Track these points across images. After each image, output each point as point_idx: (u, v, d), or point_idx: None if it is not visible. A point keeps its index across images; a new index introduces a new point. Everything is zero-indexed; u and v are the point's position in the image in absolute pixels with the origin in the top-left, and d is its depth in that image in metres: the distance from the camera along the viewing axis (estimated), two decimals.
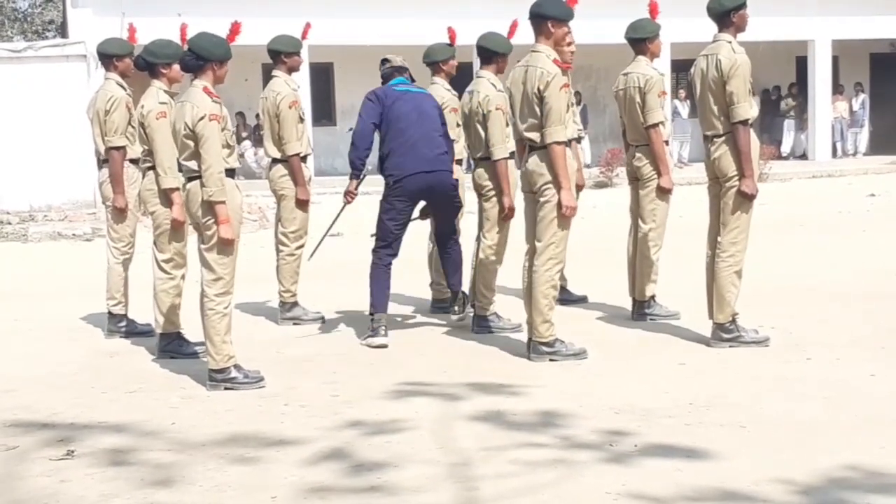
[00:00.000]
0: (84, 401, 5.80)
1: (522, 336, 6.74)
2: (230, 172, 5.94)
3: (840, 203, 15.46)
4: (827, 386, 5.63)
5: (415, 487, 4.28)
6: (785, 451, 4.57)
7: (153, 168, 6.86)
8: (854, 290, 8.35)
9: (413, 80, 7.39)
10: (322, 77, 22.31)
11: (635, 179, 7.57)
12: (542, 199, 6.31)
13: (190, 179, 5.95)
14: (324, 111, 22.80)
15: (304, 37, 8.18)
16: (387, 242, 7.12)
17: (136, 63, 7.08)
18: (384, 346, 6.90)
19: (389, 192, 7.05)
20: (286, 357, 6.77)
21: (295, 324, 7.77)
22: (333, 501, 4.18)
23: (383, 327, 6.98)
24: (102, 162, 7.50)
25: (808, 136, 24.39)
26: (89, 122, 7.54)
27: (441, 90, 7.69)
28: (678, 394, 5.55)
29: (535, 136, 6.32)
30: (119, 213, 7.44)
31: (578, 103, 17.19)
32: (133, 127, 7.28)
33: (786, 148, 24.65)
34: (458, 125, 7.55)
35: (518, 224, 6.89)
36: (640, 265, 7.49)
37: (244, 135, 21.55)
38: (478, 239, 7.28)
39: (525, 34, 6.76)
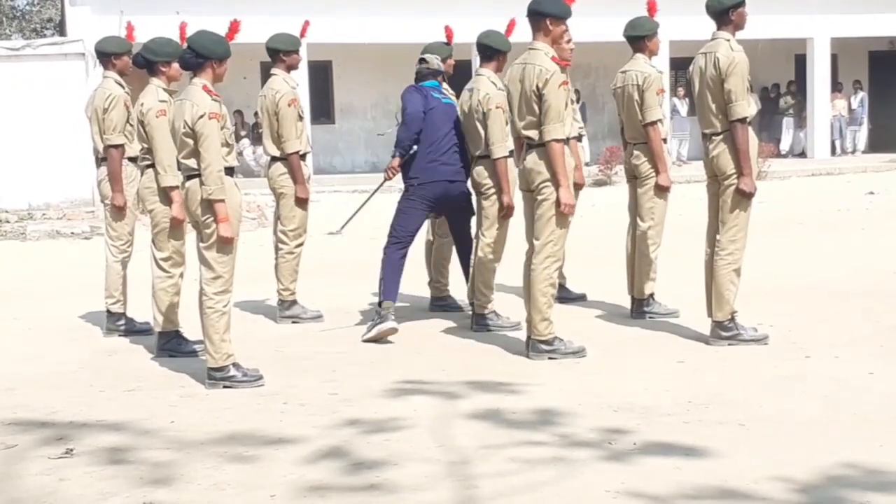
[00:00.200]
0: (83, 399, 5.80)
1: (521, 334, 6.74)
2: (229, 171, 5.93)
3: (839, 201, 15.46)
4: (826, 384, 5.63)
5: (414, 486, 4.28)
6: (784, 449, 4.57)
7: (152, 166, 6.87)
8: (853, 288, 8.35)
9: (444, 80, 7.53)
10: (321, 75, 22.31)
11: (634, 177, 7.57)
12: (539, 198, 6.30)
13: (189, 178, 5.94)
14: (322, 109, 22.80)
15: (302, 35, 8.17)
16: (399, 241, 7.23)
17: (135, 61, 7.08)
18: (395, 331, 6.95)
19: (412, 193, 7.22)
20: (285, 355, 6.77)
21: (294, 322, 7.77)
22: (332, 500, 4.18)
23: (392, 314, 7.01)
24: (101, 160, 7.50)
25: (807, 134, 24.40)
26: (87, 121, 7.53)
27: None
28: (677, 392, 5.55)
29: (533, 133, 6.32)
30: (118, 212, 7.44)
31: (577, 101, 17.17)
32: (131, 125, 7.28)
33: (785, 146, 24.66)
34: None
35: (516, 222, 6.89)
36: (638, 263, 7.49)
37: (242, 133, 21.54)
38: (476, 237, 7.29)
39: (523, 32, 6.75)
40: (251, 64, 19.08)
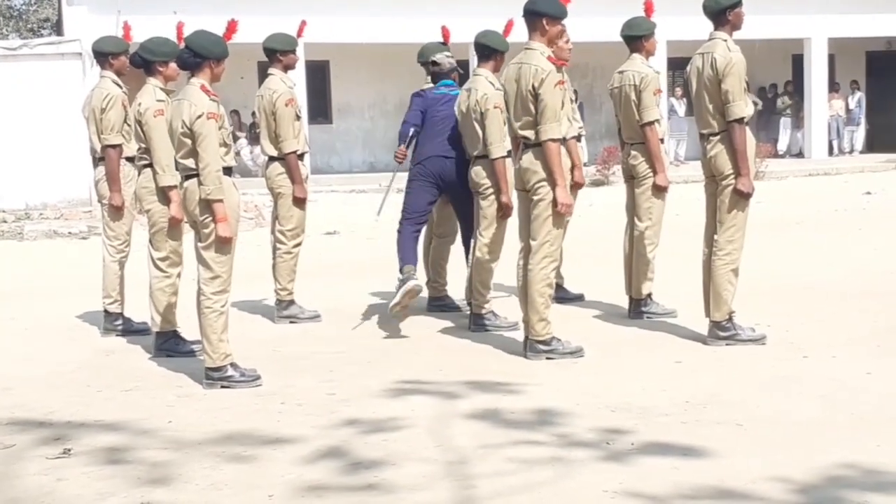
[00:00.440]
0: (80, 399, 5.80)
1: (519, 334, 6.74)
2: (228, 171, 5.93)
3: (836, 201, 15.47)
4: (823, 384, 5.63)
5: (412, 485, 4.28)
6: (781, 450, 4.58)
7: (149, 166, 6.86)
8: (850, 288, 8.35)
9: (460, 74, 7.92)
10: (318, 75, 22.30)
11: (631, 177, 7.57)
12: (535, 198, 6.31)
13: (187, 178, 5.94)
14: (320, 109, 22.79)
15: (299, 35, 8.16)
16: (410, 217, 7.51)
17: (133, 60, 7.08)
18: (420, 290, 7.14)
19: (414, 174, 7.60)
20: (283, 355, 6.76)
21: (291, 322, 7.77)
22: (330, 500, 4.18)
23: (414, 276, 7.18)
24: (98, 160, 7.49)
25: (805, 135, 24.40)
26: (85, 121, 7.53)
27: None
28: (675, 392, 5.55)
29: (529, 133, 6.32)
30: (115, 212, 7.44)
31: (576, 101, 17.18)
32: (129, 125, 7.27)
33: (782, 146, 24.67)
34: None
35: (515, 222, 6.89)
36: (636, 263, 7.49)
37: (241, 134, 21.50)
38: (474, 237, 7.28)
39: (520, 33, 6.75)
40: (248, 64, 19.06)
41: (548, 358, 6.35)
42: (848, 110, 25.13)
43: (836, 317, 7.35)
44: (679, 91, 22.84)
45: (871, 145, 25.39)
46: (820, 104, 23.90)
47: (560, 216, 6.29)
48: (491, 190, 7.09)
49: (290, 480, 4.38)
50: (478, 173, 7.13)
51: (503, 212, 7.08)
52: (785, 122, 24.89)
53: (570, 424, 5.04)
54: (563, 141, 6.35)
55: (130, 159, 7.33)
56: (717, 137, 6.46)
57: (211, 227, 5.83)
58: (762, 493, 4.08)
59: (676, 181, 12.73)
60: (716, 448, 4.61)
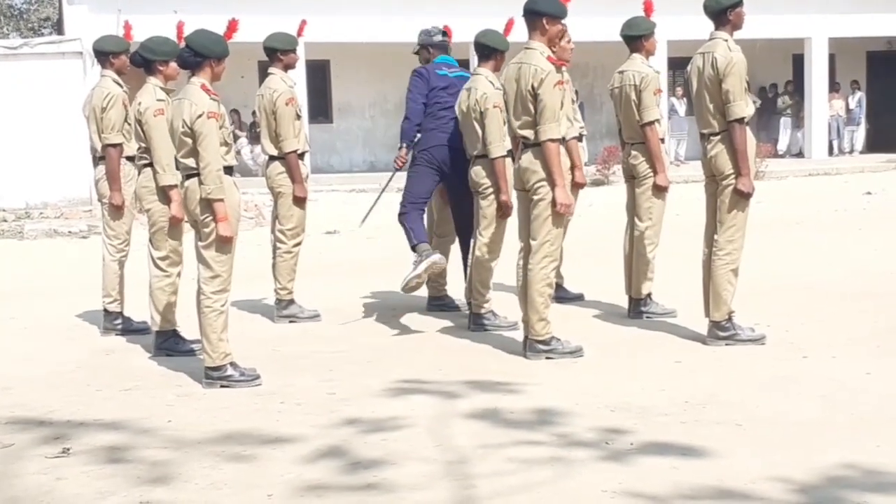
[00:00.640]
0: (80, 398, 5.80)
1: (518, 334, 6.74)
2: (228, 170, 5.93)
3: (836, 201, 15.46)
4: (823, 384, 5.63)
5: (411, 485, 4.28)
6: (781, 450, 4.58)
7: (149, 165, 6.86)
8: (850, 288, 8.35)
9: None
10: (318, 74, 22.31)
11: (631, 177, 7.57)
12: (535, 198, 6.30)
13: (188, 177, 5.94)
14: (320, 108, 22.79)
15: (300, 34, 8.16)
16: (416, 202, 7.52)
17: (133, 60, 7.08)
18: (444, 264, 7.34)
19: (418, 160, 7.57)
20: (282, 355, 6.77)
21: (291, 321, 7.77)
22: (330, 499, 4.18)
23: (428, 250, 7.26)
24: (98, 159, 7.49)
25: (805, 135, 24.40)
26: (85, 120, 7.53)
27: None
28: (674, 392, 5.55)
29: (529, 133, 6.32)
30: (115, 211, 7.44)
31: (576, 101, 17.16)
32: (129, 124, 7.27)
33: (782, 146, 24.67)
34: None
35: (514, 222, 6.89)
36: (636, 263, 7.49)
37: (242, 133, 21.50)
38: (474, 236, 7.29)
39: (521, 32, 6.75)
40: (249, 63, 19.06)
41: (547, 357, 6.35)
42: (848, 110, 25.13)
43: (836, 317, 7.34)
44: (679, 91, 22.84)
45: (872, 145, 25.39)
46: (820, 104, 23.90)
47: (559, 216, 6.29)
48: (491, 190, 7.09)
49: (289, 480, 4.38)
50: (477, 173, 7.13)
51: (502, 211, 7.08)
52: (785, 122, 24.89)
53: (569, 424, 5.04)
54: (563, 141, 6.35)
55: (131, 158, 7.33)
56: (718, 137, 6.46)
57: (211, 227, 5.83)
58: (761, 493, 4.08)
59: (677, 181, 12.73)
60: (715, 448, 4.61)
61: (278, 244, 7.81)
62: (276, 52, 7.81)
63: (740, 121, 6.36)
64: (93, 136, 7.44)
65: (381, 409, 5.39)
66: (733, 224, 6.46)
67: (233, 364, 5.96)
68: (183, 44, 6.10)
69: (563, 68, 6.44)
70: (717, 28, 6.53)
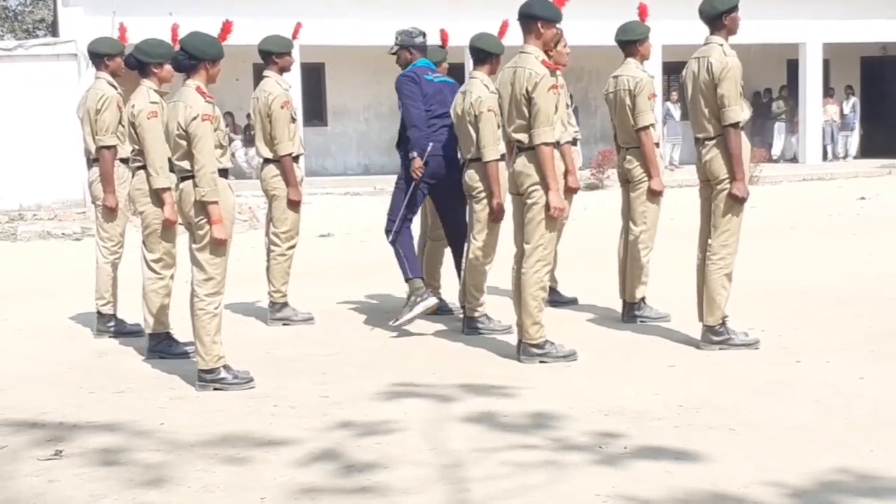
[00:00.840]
0: (73, 400, 5.78)
1: (512, 338, 6.73)
2: (223, 172, 5.93)
3: (830, 206, 15.49)
4: (817, 389, 5.63)
5: (405, 488, 4.27)
6: (775, 454, 4.58)
7: (143, 167, 6.85)
8: (844, 293, 8.36)
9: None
10: (313, 77, 22.29)
11: (626, 182, 7.57)
12: (529, 201, 6.30)
13: (183, 179, 5.93)
14: (315, 111, 22.77)
15: (294, 37, 8.17)
16: (403, 219, 7.37)
17: (128, 62, 7.09)
18: (433, 306, 7.25)
19: (406, 168, 7.39)
20: (276, 357, 6.76)
21: (285, 324, 7.76)
22: (323, 502, 4.17)
23: (428, 291, 7.27)
24: (92, 161, 7.48)
25: (799, 140, 24.45)
26: (79, 122, 7.52)
27: None
28: (668, 396, 5.55)
29: (522, 137, 6.32)
30: (109, 213, 7.43)
31: (571, 105, 17.17)
32: (123, 126, 7.26)
33: (776, 151, 24.70)
34: None
35: (508, 225, 6.89)
36: (630, 267, 7.49)
37: (236, 136, 21.48)
38: (467, 240, 7.28)
39: (515, 35, 6.75)
40: (243, 66, 19.07)
41: (541, 361, 6.35)
42: (842, 115, 25.19)
43: (830, 322, 7.35)
44: (674, 95, 22.86)
45: (866, 150, 25.41)
46: (814, 109, 23.94)
47: (553, 220, 6.29)
48: (484, 193, 7.09)
49: (282, 483, 4.38)
50: (471, 177, 7.13)
51: (495, 215, 7.08)
52: (779, 127, 24.92)
53: (563, 428, 5.04)
54: (557, 145, 6.35)
55: (125, 161, 7.32)
56: (713, 142, 6.47)
57: (206, 229, 5.83)
58: (755, 497, 4.08)
59: (671, 185, 12.76)
60: (709, 452, 4.61)
61: (272, 247, 7.81)
62: (271, 54, 7.80)
63: (735, 125, 6.36)
64: (87, 138, 7.44)
65: (374, 413, 5.38)
66: (727, 228, 6.47)
67: (226, 367, 5.95)
68: (178, 46, 6.10)
69: (558, 72, 6.44)
70: (712, 33, 6.54)
